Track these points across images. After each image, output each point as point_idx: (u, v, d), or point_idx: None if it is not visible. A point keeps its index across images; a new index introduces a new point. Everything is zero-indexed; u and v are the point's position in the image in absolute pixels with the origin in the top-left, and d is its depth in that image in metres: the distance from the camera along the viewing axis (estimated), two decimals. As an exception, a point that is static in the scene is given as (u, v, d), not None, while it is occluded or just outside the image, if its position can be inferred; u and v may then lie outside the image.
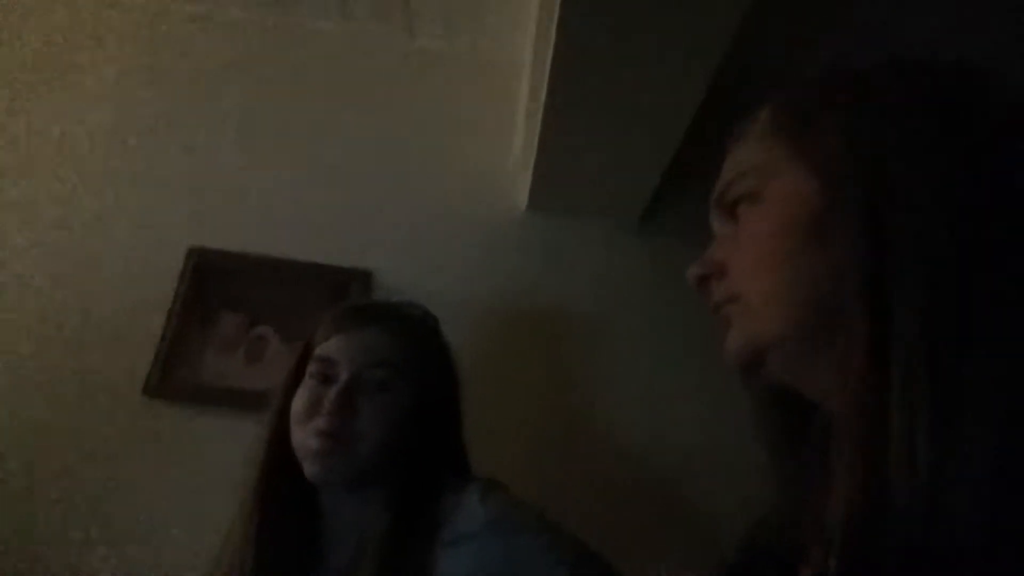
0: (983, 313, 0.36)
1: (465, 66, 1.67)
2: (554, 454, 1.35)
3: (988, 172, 0.40)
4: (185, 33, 1.64)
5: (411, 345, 0.88)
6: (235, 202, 1.48)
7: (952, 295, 0.37)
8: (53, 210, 1.45)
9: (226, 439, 1.26)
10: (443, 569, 0.75)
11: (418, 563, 0.75)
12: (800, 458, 0.50)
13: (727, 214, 0.53)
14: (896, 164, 0.42)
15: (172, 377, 1.34)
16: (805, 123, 0.48)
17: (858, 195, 0.42)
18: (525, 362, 1.42)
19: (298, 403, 0.84)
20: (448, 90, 1.64)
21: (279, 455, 0.84)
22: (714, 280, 0.52)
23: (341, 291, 1.40)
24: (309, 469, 0.80)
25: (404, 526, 0.78)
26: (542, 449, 1.34)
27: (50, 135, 1.52)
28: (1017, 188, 0.39)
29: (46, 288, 1.39)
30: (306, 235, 1.45)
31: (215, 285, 1.40)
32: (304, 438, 0.81)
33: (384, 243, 1.47)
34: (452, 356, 0.95)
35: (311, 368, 0.86)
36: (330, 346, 0.86)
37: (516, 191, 1.55)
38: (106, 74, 1.59)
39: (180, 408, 1.31)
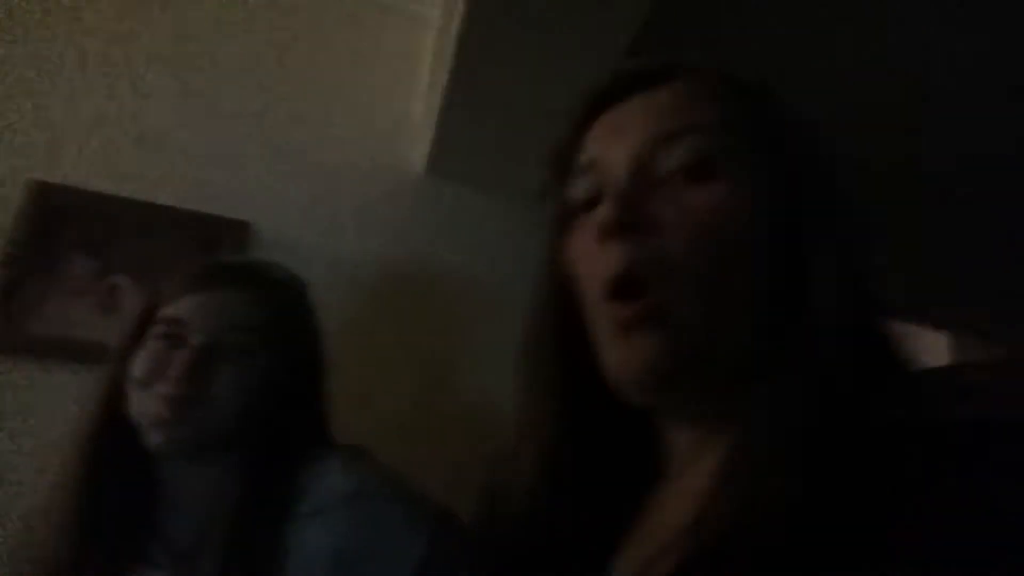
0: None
1: (371, 14, 1.55)
2: (425, 425, 1.32)
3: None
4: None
5: (273, 309, 0.82)
6: (93, 134, 1.30)
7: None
8: None
9: (71, 395, 1.13)
10: (303, 541, 0.71)
11: (271, 536, 0.71)
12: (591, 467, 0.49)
13: (663, 158, 0.45)
14: (825, 187, 0.45)
15: (12, 326, 1.19)
16: (759, 115, 0.47)
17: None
18: (406, 330, 1.37)
19: (140, 367, 0.76)
20: (352, 34, 1.52)
21: (110, 422, 0.76)
22: (634, 238, 0.43)
23: (213, 243, 1.28)
24: (152, 437, 0.74)
25: (256, 498, 0.73)
26: (414, 420, 1.31)
27: None
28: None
29: None
30: (176, 177, 1.31)
31: (62, 226, 1.23)
32: (146, 404, 0.74)
33: (265, 193, 1.36)
34: (318, 322, 0.90)
35: (156, 329, 0.78)
36: (180, 306, 0.78)
37: (415, 153, 1.47)
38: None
39: (19, 361, 1.16)
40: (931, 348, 2.60)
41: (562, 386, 0.50)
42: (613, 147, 0.48)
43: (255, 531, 0.71)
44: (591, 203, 0.48)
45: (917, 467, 0.33)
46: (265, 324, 0.80)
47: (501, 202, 1.50)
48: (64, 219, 1.24)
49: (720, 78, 0.49)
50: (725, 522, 0.36)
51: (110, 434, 0.76)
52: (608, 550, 0.48)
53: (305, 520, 0.72)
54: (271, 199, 1.36)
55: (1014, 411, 0.35)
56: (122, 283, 1.26)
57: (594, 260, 0.46)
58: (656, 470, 0.50)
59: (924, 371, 0.43)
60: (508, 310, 1.41)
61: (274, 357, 0.80)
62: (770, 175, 0.45)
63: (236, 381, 0.76)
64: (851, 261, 0.43)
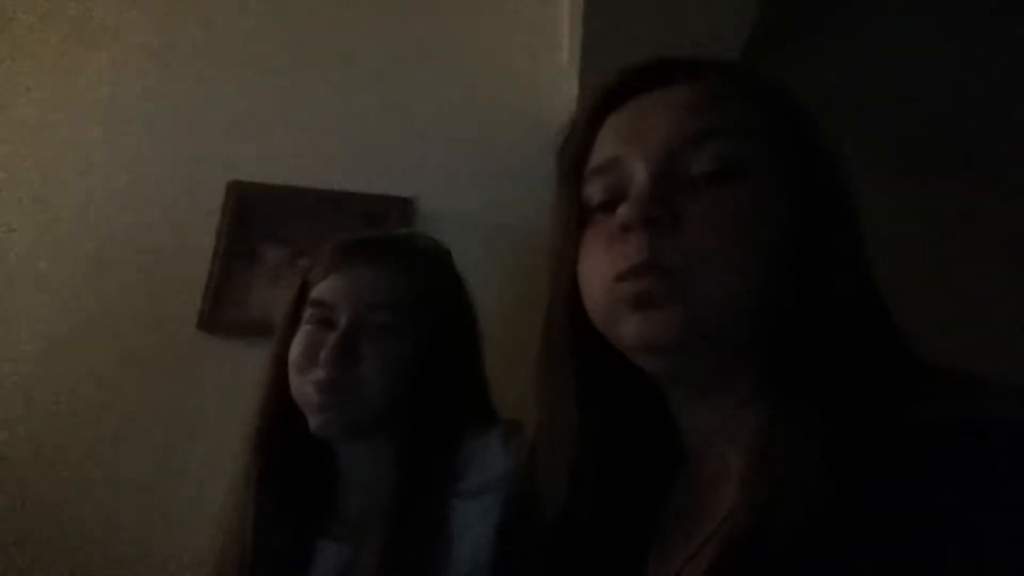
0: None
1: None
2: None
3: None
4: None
5: (417, 283, 0.78)
6: (272, 133, 1.44)
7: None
8: (99, 154, 1.46)
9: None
10: (466, 521, 0.70)
11: (432, 518, 0.70)
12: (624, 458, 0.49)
13: (688, 160, 0.45)
14: (842, 187, 0.47)
15: (223, 312, 1.36)
16: (780, 115, 0.48)
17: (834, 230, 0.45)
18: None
19: (295, 350, 0.77)
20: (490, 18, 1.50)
21: (279, 404, 0.78)
22: (659, 231, 0.43)
23: (380, 220, 1.35)
24: (312, 422, 0.75)
25: (414, 481, 0.73)
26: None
27: (85, 82, 1.51)
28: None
29: (102, 229, 1.42)
30: (343, 164, 1.40)
31: (257, 219, 1.38)
32: (303, 389, 0.75)
33: (424, 167, 1.40)
34: (467, 292, 0.85)
35: (307, 312, 0.78)
36: (325, 288, 0.78)
37: (565, 106, 1.42)
38: (133, 17, 1.55)
39: (229, 341, 1.32)
40: None
41: (582, 379, 0.50)
42: (634, 146, 0.47)
43: (415, 510, 0.71)
44: (609, 204, 0.47)
45: (934, 460, 0.33)
46: (409, 300, 0.77)
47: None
48: (256, 212, 1.39)
49: (738, 76, 0.49)
50: (759, 510, 0.37)
51: (279, 417, 0.78)
52: (640, 538, 0.49)
53: (467, 499, 0.70)
54: (429, 172, 1.39)
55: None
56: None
57: (604, 257, 0.46)
58: (676, 455, 0.50)
59: (937, 366, 0.42)
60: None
61: (421, 334, 0.77)
62: (794, 175, 0.46)
63: (383, 362, 0.74)
64: (864, 259, 0.45)
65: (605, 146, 0.49)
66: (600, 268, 0.46)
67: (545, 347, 0.52)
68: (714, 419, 0.46)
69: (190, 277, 1.36)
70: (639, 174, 0.46)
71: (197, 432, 1.25)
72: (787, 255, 0.44)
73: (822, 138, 0.48)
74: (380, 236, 0.89)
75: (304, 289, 0.81)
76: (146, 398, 1.30)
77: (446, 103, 1.43)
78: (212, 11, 1.54)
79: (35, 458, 1.27)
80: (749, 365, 0.44)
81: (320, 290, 0.78)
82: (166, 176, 1.43)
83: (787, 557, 0.34)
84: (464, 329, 0.83)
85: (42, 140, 1.48)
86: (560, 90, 1.43)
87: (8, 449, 1.28)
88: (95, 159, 1.46)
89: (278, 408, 0.78)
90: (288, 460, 0.78)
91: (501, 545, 0.65)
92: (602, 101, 0.51)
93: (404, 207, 1.37)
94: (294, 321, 0.79)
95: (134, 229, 1.41)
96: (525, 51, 1.47)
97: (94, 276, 1.38)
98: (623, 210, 0.44)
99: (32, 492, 1.26)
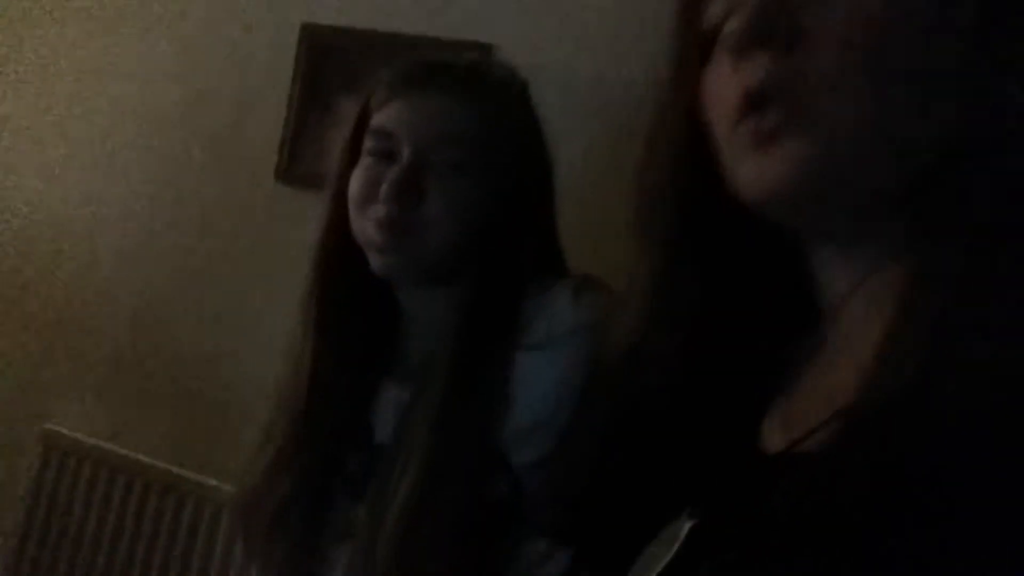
0: None
1: None
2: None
3: None
4: None
5: (491, 117, 0.71)
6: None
7: None
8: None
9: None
10: (529, 373, 0.67)
11: (494, 368, 0.68)
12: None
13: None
14: None
15: (299, 165, 1.34)
16: None
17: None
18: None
19: (354, 185, 0.71)
20: None
21: (339, 244, 0.73)
22: (778, 50, 0.34)
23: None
24: (373, 263, 0.70)
25: (476, 331, 0.69)
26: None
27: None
28: None
29: (180, 78, 1.40)
30: (423, 6, 1.30)
31: (331, 64, 1.32)
32: (363, 227, 0.70)
33: (507, 12, 1.28)
34: (543, 133, 0.77)
35: (368, 143, 0.71)
36: (389, 115, 0.70)
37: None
38: None
39: (306, 192, 1.31)
40: None
41: (689, 227, 0.43)
42: None
43: (476, 358, 0.69)
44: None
45: None
46: (481, 135, 0.70)
47: None
48: (330, 58, 1.33)
49: None
50: (894, 390, 0.31)
51: (339, 257, 0.74)
52: (759, 406, 0.43)
53: (532, 352, 0.68)
54: (512, 18, 1.28)
55: None
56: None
57: (727, 87, 0.38)
58: (808, 317, 0.43)
59: None
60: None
61: (492, 174, 0.71)
62: None
63: (449, 201, 0.69)
64: None
65: None
66: (722, 104, 0.38)
67: (641, 196, 0.46)
68: (855, 277, 0.39)
69: (269, 126, 1.35)
70: None
71: (273, 280, 1.29)
72: (954, 68, 0.35)
73: None
74: (451, 61, 0.79)
75: (364, 116, 0.73)
76: (226, 247, 1.33)
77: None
78: None
79: (142, 292, 1.38)
80: (899, 210, 0.37)
81: (381, 118, 0.71)
82: (234, 19, 1.38)
83: (928, 448, 0.28)
84: (538, 174, 0.76)
85: None
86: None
87: (119, 286, 1.41)
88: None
89: (338, 247, 0.74)
90: (348, 300, 0.75)
91: (578, 405, 0.63)
92: None
93: (484, 54, 1.27)
94: (354, 152, 0.73)
95: (211, 77, 1.38)
96: None
97: (177, 127, 1.39)
98: (730, 25, 0.36)
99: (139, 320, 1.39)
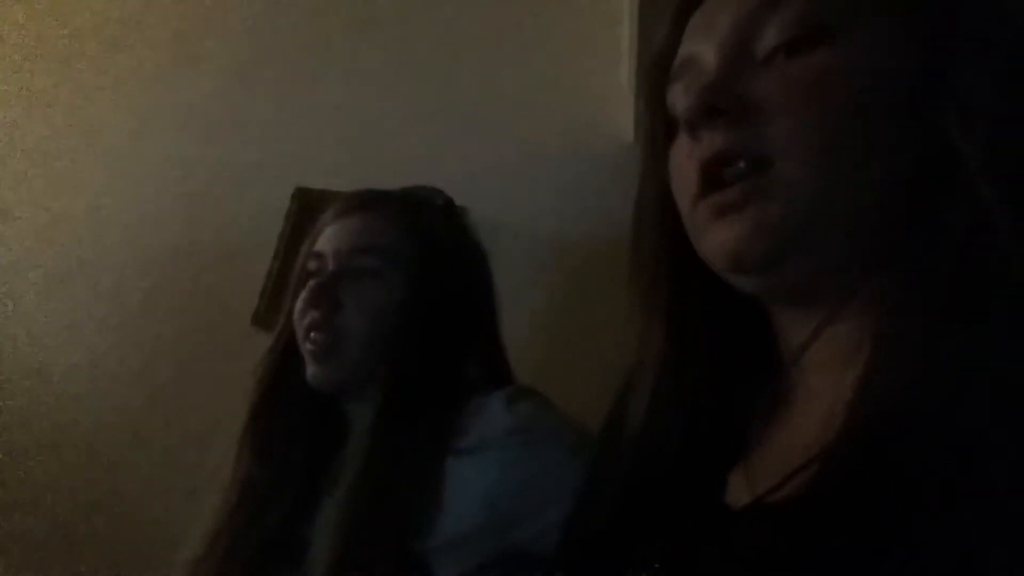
0: None
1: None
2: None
3: None
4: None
5: (408, 229, 0.77)
6: (338, 142, 1.50)
7: None
8: (180, 153, 1.56)
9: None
10: (458, 482, 0.68)
11: (411, 473, 0.68)
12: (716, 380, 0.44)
13: (759, 38, 0.38)
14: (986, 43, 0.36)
15: (278, 311, 1.40)
16: None
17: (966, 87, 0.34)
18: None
19: (297, 305, 0.78)
20: (547, 19, 1.55)
21: (284, 361, 0.79)
22: (727, 123, 0.37)
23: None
24: (308, 376, 0.75)
25: (388, 432, 0.70)
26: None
27: (162, 88, 1.62)
28: None
29: (176, 226, 1.50)
30: (402, 174, 1.44)
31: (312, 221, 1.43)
32: (302, 341, 0.76)
33: (481, 178, 1.43)
34: (474, 247, 0.84)
35: (309, 266, 0.80)
36: (322, 239, 0.79)
37: (622, 123, 1.44)
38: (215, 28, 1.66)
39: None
40: None
41: (674, 297, 0.46)
42: (707, 36, 0.41)
43: (389, 462, 0.69)
44: None
45: None
46: (397, 245, 0.76)
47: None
48: (316, 217, 1.44)
49: None
50: (861, 438, 0.32)
51: (284, 376, 0.78)
52: (724, 464, 0.44)
53: (463, 456, 0.69)
54: (485, 183, 1.42)
55: None
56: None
57: (686, 165, 0.40)
58: (774, 371, 0.44)
59: None
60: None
61: (410, 279, 0.75)
62: (903, 31, 0.37)
63: (364, 304, 0.74)
64: (1013, 138, 0.33)
65: (683, 47, 0.44)
66: (683, 182, 0.41)
67: (633, 268, 0.48)
68: (811, 326, 0.40)
69: (249, 277, 1.42)
70: (708, 64, 0.40)
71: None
72: (902, 126, 0.36)
73: None
74: (379, 189, 0.88)
75: (310, 245, 0.83)
76: (198, 386, 1.35)
77: (503, 116, 1.47)
78: (292, 20, 1.63)
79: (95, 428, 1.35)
80: (859, 269, 0.38)
81: (318, 242, 0.80)
82: (234, 180, 1.52)
83: (889, 498, 0.28)
84: (463, 280, 0.80)
85: (107, 142, 1.57)
86: (617, 109, 1.45)
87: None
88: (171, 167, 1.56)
89: (283, 366, 0.79)
90: (289, 416, 0.78)
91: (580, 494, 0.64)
92: (684, 1, 0.45)
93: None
94: (304, 278, 0.81)
95: (204, 228, 1.49)
96: (583, 69, 1.50)
97: (163, 271, 1.46)
98: (683, 104, 0.39)
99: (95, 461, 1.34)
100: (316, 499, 0.76)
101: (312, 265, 0.79)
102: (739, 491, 0.41)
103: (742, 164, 0.37)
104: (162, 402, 1.36)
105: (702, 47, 0.41)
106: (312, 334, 0.74)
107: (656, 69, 0.46)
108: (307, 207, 1.45)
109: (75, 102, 1.61)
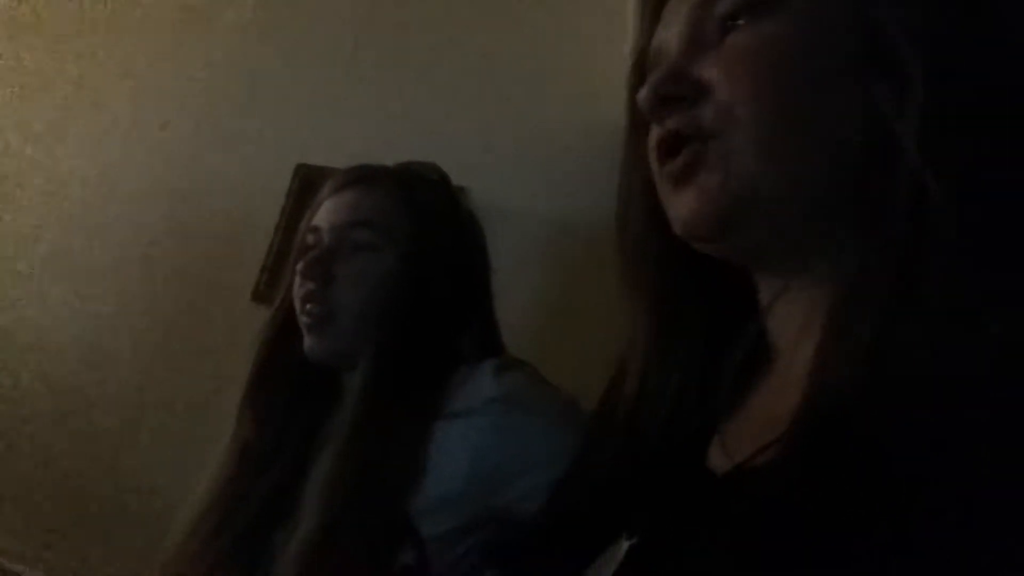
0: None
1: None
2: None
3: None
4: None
5: (402, 205, 0.78)
6: (340, 120, 1.50)
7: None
8: (182, 127, 1.56)
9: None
10: (443, 444, 0.69)
11: (399, 437, 0.69)
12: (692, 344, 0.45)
13: (712, 17, 0.39)
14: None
15: (279, 286, 1.41)
16: None
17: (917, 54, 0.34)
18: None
19: (296, 279, 0.79)
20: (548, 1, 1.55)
21: (283, 333, 0.80)
22: (685, 106, 0.38)
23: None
24: (305, 348, 0.76)
25: (377, 396, 0.71)
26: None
27: (171, 66, 1.62)
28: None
29: (176, 199, 1.51)
30: (402, 150, 1.44)
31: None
32: (298, 314, 0.77)
33: (483, 160, 1.43)
34: (468, 223, 0.84)
35: (307, 240, 0.80)
36: (319, 214, 0.80)
37: (622, 106, 1.44)
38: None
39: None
40: None
41: (659, 275, 0.47)
42: (672, 25, 0.42)
43: (377, 426, 0.70)
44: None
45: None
46: (389, 219, 0.77)
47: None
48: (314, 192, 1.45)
49: None
50: (829, 405, 0.32)
51: (284, 349, 0.79)
52: (707, 430, 0.45)
53: (450, 420, 0.70)
54: (486, 165, 1.42)
55: None
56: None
57: (652, 144, 0.42)
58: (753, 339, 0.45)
59: None
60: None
61: (402, 252, 0.76)
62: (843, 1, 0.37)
63: (357, 277, 0.75)
64: (950, 106, 0.33)
65: (655, 37, 0.45)
66: (653, 161, 0.42)
67: (624, 262, 0.49)
68: (774, 299, 0.41)
69: (252, 253, 1.43)
70: (672, 52, 0.41)
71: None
72: (845, 97, 0.36)
73: None
74: (375, 164, 0.89)
75: (308, 219, 0.83)
76: (200, 361, 1.36)
77: (503, 98, 1.47)
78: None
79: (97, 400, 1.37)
80: (810, 238, 0.38)
81: (314, 217, 0.81)
82: (239, 156, 1.52)
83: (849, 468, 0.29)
84: (457, 255, 0.81)
85: (110, 116, 1.58)
86: (618, 92, 1.45)
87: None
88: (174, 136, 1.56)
89: (283, 340, 0.80)
90: (288, 384, 0.79)
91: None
92: None
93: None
94: (302, 251, 0.82)
95: (205, 205, 1.49)
96: (585, 51, 1.50)
97: (165, 244, 1.47)
98: (639, 97, 0.40)
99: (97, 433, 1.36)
100: (310, 464, 0.78)
101: (310, 239, 0.80)
102: (718, 456, 0.42)
103: (695, 136, 0.39)
104: (163, 376, 1.37)
105: (669, 34, 0.43)
106: (307, 306, 0.75)
107: (637, 60, 0.48)
108: (308, 183, 1.46)
109: (78, 76, 1.61)
